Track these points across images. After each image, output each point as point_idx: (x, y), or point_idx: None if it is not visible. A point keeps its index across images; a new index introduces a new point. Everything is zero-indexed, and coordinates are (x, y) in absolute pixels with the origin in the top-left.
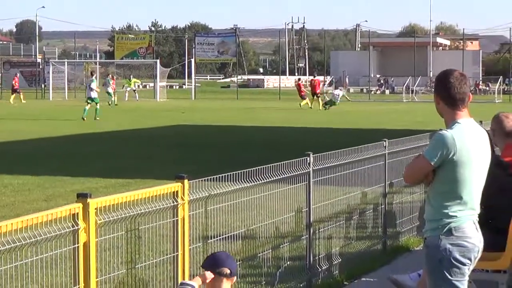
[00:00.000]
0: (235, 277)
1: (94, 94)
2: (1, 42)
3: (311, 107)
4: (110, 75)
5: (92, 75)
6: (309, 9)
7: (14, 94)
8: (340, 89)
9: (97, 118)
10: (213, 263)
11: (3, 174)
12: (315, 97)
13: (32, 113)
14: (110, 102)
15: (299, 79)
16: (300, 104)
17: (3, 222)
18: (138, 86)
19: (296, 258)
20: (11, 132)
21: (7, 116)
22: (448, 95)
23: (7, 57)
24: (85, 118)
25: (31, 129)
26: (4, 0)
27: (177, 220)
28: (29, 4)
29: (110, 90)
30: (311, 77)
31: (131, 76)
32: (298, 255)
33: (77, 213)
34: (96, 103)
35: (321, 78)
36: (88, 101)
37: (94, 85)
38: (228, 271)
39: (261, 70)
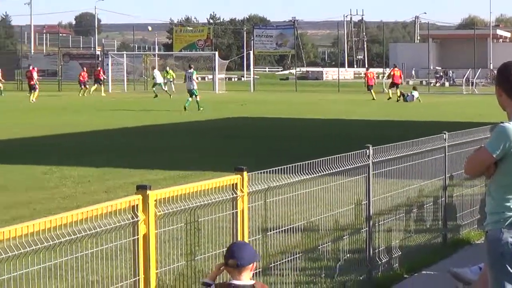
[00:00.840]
0: (250, 266)
1: (195, 86)
2: (60, 35)
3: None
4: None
5: (190, 67)
6: (368, 1)
7: (96, 85)
8: (417, 91)
9: (201, 108)
10: (226, 253)
11: (64, 166)
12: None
13: (92, 105)
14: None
15: (367, 69)
16: (382, 96)
17: (64, 214)
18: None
19: (355, 251)
20: (72, 124)
21: (67, 108)
22: (510, 87)
23: (66, 49)
24: (186, 108)
25: (92, 121)
26: None
27: (236, 212)
28: None
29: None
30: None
31: (168, 68)
32: (357, 248)
33: (137, 205)
34: (196, 96)
35: (380, 70)
36: (194, 92)
37: (194, 76)
38: (235, 263)
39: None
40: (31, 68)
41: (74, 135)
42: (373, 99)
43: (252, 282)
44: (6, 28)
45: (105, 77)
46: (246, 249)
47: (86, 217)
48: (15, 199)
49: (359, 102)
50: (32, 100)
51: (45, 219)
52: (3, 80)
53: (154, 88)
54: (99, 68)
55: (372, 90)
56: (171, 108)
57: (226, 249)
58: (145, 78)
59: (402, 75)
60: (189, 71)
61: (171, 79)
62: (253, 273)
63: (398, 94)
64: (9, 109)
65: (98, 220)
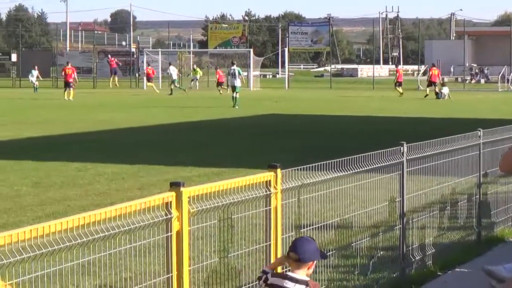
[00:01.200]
0: (310, 263)
1: (238, 83)
2: (96, 32)
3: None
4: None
5: (233, 64)
6: None
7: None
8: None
9: (236, 107)
10: (290, 245)
11: (98, 163)
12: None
13: (126, 102)
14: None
15: (396, 66)
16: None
17: (98, 211)
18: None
19: (389, 248)
20: (106, 121)
21: (102, 104)
22: None
23: (101, 46)
24: (237, 106)
25: (126, 117)
26: None
27: (270, 209)
28: None
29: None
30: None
31: (195, 66)
32: (391, 245)
33: (170, 202)
34: (237, 92)
35: (415, 67)
36: (236, 89)
37: (239, 73)
38: (296, 257)
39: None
40: (69, 65)
41: (109, 132)
42: (401, 93)
43: (307, 278)
44: (42, 25)
45: (139, 74)
46: (310, 246)
47: (119, 214)
48: (49, 196)
49: (394, 99)
50: (69, 99)
51: (79, 216)
52: (40, 78)
53: (172, 86)
54: (149, 67)
55: (400, 87)
56: (204, 105)
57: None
58: (180, 75)
59: (440, 74)
60: (232, 67)
61: (198, 77)
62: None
63: (400, 90)
64: (44, 106)
65: (132, 217)
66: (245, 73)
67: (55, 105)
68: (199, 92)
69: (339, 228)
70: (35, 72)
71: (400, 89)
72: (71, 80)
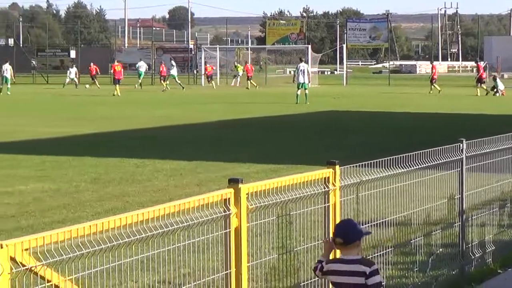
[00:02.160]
0: (354, 243)
1: (306, 80)
2: (154, 29)
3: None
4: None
5: (301, 60)
6: None
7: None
8: (498, 80)
9: (307, 103)
10: (334, 231)
11: (156, 159)
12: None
13: (184, 98)
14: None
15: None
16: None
17: (156, 207)
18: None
19: (448, 245)
20: (164, 117)
21: (159, 101)
22: None
23: (160, 43)
24: (307, 102)
25: (184, 114)
26: None
27: (328, 206)
28: None
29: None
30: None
31: (236, 63)
32: (450, 242)
33: (229, 198)
34: (305, 89)
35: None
36: (305, 86)
37: (308, 69)
38: (341, 241)
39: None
40: (116, 62)
41: (166, 128)
42: (439, 90)
43: (359, 256)
44: (101, 22)
45: (197, 70)
46: (351, 227)
47: (178, 210)
48: (108, 192)
49: (453, 96)
50: (117, 94)
51: (138, 212)
52: (98, 74)
53: (179, 82)
54: (209, 65)
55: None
56: (262, 101)
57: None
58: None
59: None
60: (301, 64)
61: (240, 73)
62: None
63: (485, 88)
64: (101, 102)
65: (190, 213)
66: (295, 69)
67: (113, 102)
68: (249, 88)
69: (398, 225)
70: (73, 70)
71: (437, 86)
72: (121, 77)
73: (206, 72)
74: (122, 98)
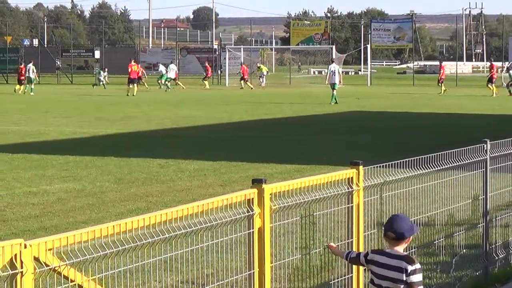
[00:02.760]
0: (406, 239)
1: (337, 80)
2: (178, 29)
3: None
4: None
5: (332, 61)
6: None
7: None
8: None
9: (331, 103)
10: (386, 224)
11: (180, 159)
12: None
13: (208, 98)
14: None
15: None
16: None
17: (180, 207)
18: (267, 72)
19: (472, 246)
20: (187, 117)
21: (182, 101)
22: None
23: (184, 43)
24: (337, 101)
25: (208, 114)
26: None
27: (352, 206)
28: None
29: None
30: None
31: (258, 63)
32: (474, 243)
33: (252, 199)
34: (334, 89)
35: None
36: (335, 86)
37: (339, 70)
38: (394, 235)
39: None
40: (133, 62)
41: (190, 129)
42: (444, 90)
43: (405, 253)
44: (125, 22)
45: (221, 71)
46: (405, 223)
47: (201, 210)
48: (132, 192)
49: (477, 97)
50: (132, 95)
51: (161, 212)
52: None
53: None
54: (244, 65)
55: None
56: (286, 101)
57: (386, 220)
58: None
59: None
60: (332, 65)
61: (265, 73)
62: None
63: (491, 88)
64: (126, 102)
65: (214, 213)
66: (326, 70)
67: (135, 102)
68: (272, 88)
69: (421, 225)
70: (104, 73)
71: (442, 87)
72: (139, 75)
73: (242, 73)
74: (144, 98)
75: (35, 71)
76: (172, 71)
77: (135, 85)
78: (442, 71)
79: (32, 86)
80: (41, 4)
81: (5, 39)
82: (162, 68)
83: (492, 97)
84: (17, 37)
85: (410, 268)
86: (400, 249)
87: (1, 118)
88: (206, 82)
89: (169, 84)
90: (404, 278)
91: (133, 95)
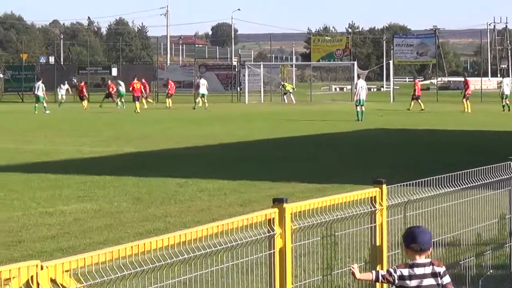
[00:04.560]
0: (430, 250)
1: (364, 96)
2: (197, 46)
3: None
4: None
5: (359, 77)
6: (511, 8)
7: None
8: None
9: (360, 120)
10: (406, 238)
11: (199, 179)
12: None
13: (228, 115)
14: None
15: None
16: None
17: (199, 227)
18: (293, 89)
19: (499, 266)
20: (207, 135)
21: (201, 119)
22: None
23: (202, 60)
24: (362, 119)
25: (228, 131)
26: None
27: (375, 226)
28: (225, 7)
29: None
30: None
31: (282, 81)
32: (501, 263)
33: (273, 218)
34: (362, 105)
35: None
36: (361, 102)
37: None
38: (418, 247)
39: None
40: (135, 80)
41: (209, 147)
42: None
43: (429, 260)
44: (143, 39)
45: (240, 88)
46: (427, 234)
47: (221, 230)
48: (150, 212)
49: (502, 113)
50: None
51: (180, 233)
52: (70, 92)
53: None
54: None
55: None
56: (307, 119)
57: (406, 233)
58: (282, 89)
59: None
60: (360, 81)
61: (291, 90)
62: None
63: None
64: (141, 120)
65: (234, 233)
66: (349, 86)
67: (152, 119)
68: (292, 105)
69: (447, 245)
70: (64, 87)
71: (467, 103)
72: (144, 93)
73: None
74: (163, 115)
75: (44, 89)
76: (203, 86)
77: (137, 102)
78: (467, 87)
79: (42, 104)
80: (57, 21)
81: (21, 56)
82: (122, 84)
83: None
84: (33, 55)
85: (441, 270)
86: (423, 258)
87: (17, 137)
88: (169, 100)
89: (119, 102)
90: (440, 282)
91: (138, 112)
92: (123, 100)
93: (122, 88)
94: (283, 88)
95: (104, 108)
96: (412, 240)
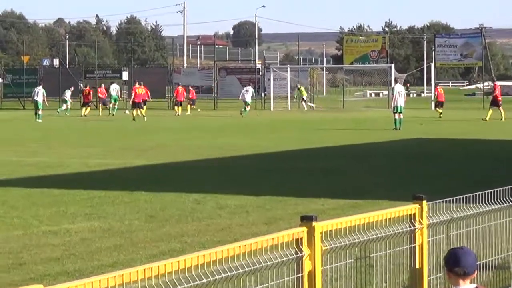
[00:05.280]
0: (475, 274)
1: (401, 102)
2: (216, 46)
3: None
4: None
5: (396, 82)
6: None
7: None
8: None
9: (398, 129)
10: (447, 261)
11: (219, 194)
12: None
13: (251, 124)
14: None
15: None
16: None
17: (219, 248)
18: (307, 98)
19: None
20: (228, 146)
21: (222, 128)
22: None
23: (223, 62)
24: (400, 128)
25: (251, 142)
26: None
27: (414, 247)
28: (248, 4)
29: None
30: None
31: (298, 85)
32: None
33: (301, 238)
34: (400, 112)
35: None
36: (399, 109)
37: (400, 91)
38: (462, 271)
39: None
40: (137, 85)
41: (230, 159)
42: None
43: (474, 285)
44: (157, 39)
45: (265, 93)
46: (472, 256)
47: (243, 251)
48: (165, 231)
49: None
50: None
51: (198, 254)
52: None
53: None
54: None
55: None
56: (341, 128)
57: (446, 255)
58: (311, 94)
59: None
60: (397, 85)
61: (305, 97)
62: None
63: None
64: (155, 129)
65: (258, 255)
66: (385, 92)
67: (166, 128)
68: (323, 113)
69: (495, 268)
70: (68, 92)
71: (501, 110)
72: (144, 99)
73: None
74: (180, 124)
75: (45, 95)
76: (247, 93)
77: (137, 109)
78: (496, 91)
79: (40, 112)
80: (62, 20)
81: (22, 59)
82: (114, 88)
83: None
84: (36, 57)
85: None
86: (467, 283)
87: (18, 148)
88: (189, 107)
89: (111, 107)
90: None
91: (134, 120)
92: (116, 106)
93: (116, 92)
94: (299, 93)
95: (92, 116)
96: (455, 263)
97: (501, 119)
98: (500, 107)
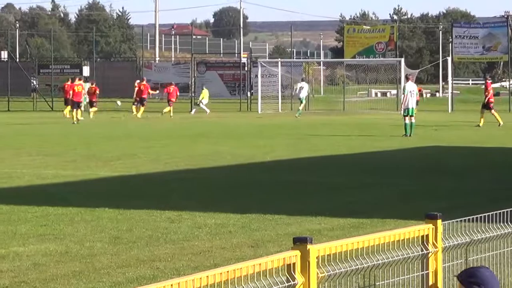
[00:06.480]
0: None
1: (413, 104)
2: (194, 37)
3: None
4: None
5: (407, 79)
6: None
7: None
8: None
9: (409, 135)
10: (470, 278)
11: (197, 211)
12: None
13: (236, 129)
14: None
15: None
16: None
17: (197, 275)
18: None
19: None
20: (207, 155)
21: (201, 133)
22: None
23: (201, 56)
24: (411, 134)
25: (235, 150)
26: None
27: (427, 273)
28: None
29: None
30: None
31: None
32: None
33: (294, 264)
34: (411, 115)
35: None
36: (410, 112)
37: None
38: None
39: None
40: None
41: (212, 170)
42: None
43: None
44: (123, 28)
45: (251, 92)
46: (495, 278)
47: (225, 279)
48: (132, 255)
49: None
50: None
51: (172, 282)
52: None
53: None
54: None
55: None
56: (341, 134)
57: (466, 273)
58: (308, 93)
59: None
60: (409, 84)
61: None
62: None
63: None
64: (127, 135)
65: (242, 283)
66: (394, 91)
67: (137, 135)
68: (319, 116)
69: None
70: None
71: (496, 115)
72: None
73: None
74: (150, 128)
75: None
76: (303, 90)
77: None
78: (488, 92)
79: None
80: (11, 5)
81: None
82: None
83: None
84: None
85: None
86: None
87: None
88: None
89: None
90: None
91: (74, 123)
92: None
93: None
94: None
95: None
96: (479, 283)
97: (499, 124)
98: (493, 110)
